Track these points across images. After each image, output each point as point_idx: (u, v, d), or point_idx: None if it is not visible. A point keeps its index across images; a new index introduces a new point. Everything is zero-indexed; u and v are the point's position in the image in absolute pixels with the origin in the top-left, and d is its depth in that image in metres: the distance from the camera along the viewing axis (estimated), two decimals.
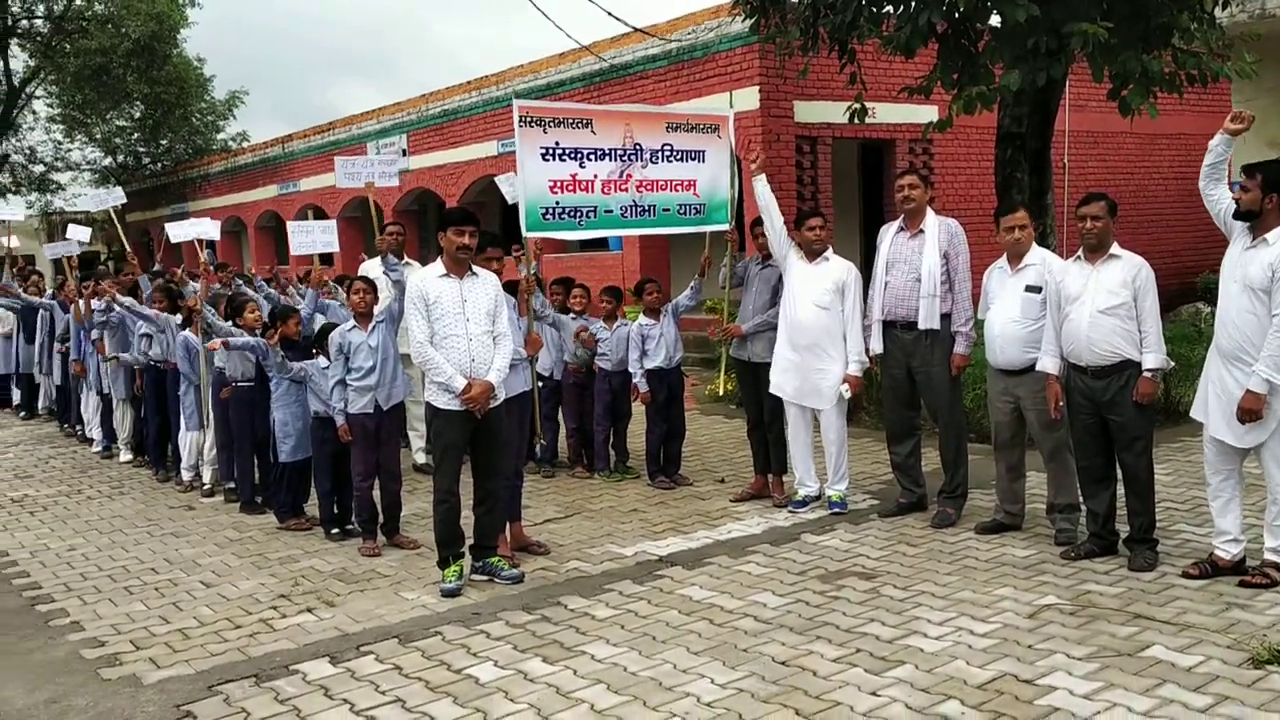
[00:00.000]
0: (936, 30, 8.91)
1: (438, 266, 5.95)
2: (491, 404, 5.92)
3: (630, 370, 8.29)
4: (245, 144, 33.14)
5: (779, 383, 7.23)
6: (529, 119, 6.67)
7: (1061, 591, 5.45)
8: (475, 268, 6.02)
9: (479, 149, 19.96)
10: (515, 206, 7.06)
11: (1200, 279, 17.57)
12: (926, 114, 16.13)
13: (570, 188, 6.86)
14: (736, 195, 7.75)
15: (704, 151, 7.47)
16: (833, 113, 15.15)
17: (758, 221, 7.55)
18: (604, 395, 8.54)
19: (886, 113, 14.95)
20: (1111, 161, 18.99)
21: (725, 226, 7.72)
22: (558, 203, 6.83)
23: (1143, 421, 5.82)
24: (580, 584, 5.95)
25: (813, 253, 7.14)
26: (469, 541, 6.10)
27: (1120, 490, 5.96)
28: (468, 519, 6.07)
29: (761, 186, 7.15)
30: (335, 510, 7.13)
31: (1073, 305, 5.87)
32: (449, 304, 5.86)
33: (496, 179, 7.83)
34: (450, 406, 5.83)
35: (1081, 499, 6.13)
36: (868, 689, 4.37)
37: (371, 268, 8.64)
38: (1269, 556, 5.42)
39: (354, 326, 6.80)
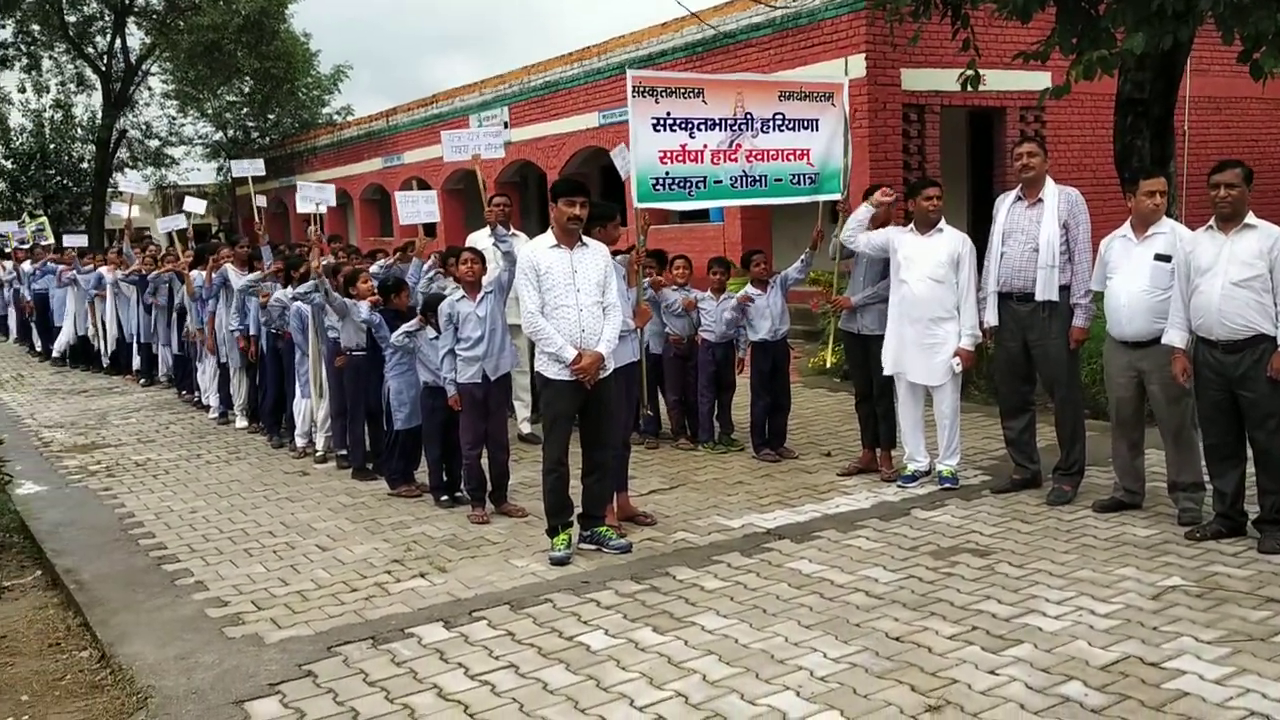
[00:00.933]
0: None
1: (548, 237, 5.97)
2: (601, 375, 5.93)
3: (738, 340, 8.27)
4: (350, 118, 33.78)
5: (894, 358, 7.11)
6: (641, 89, 6.64)
7: (1187, 573, 5.27)
8: (585, 238, 6.02)
9: (580, 120, 19.98)
10: (617, 177, 7.05)
11: None
12: (1039, 80, 15.75)
13: (680, 158, 6.81)
14: (849, 165, 7.61)
15: (817, 120, 7.36)
16: (941, 80, 14.86)
17: (872, 190, 7.42)
18: (708, 366, 8.50)
19: (996, 80, 14.44)
20: (1235, 128, 18.25)
21: (838, 196, 7.59)
22: (667, 173, 6.79)
23: (1277, 398, 5.59)
24: (688, 555, 5.94)
25: (927, 223, 6.99)
26: (577, 510, 6.13)
27: (1250, 470, 5.74)
28: (575, 489, 6.11)
29: (865, 212, 7.23)
30: (445, 478, 7.23)
31: (1204, 277, 5.65)
32: (559, 275, 5.87)
33: (611, 153, 7.82)
34: (560, 377, 5.85)
35: (1208, 478, 5.91)
36: (985, 667, 4.29)
37: (479, 239, 8.71)
38: None
39: (463, 297, 6.87)
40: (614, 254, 6.35)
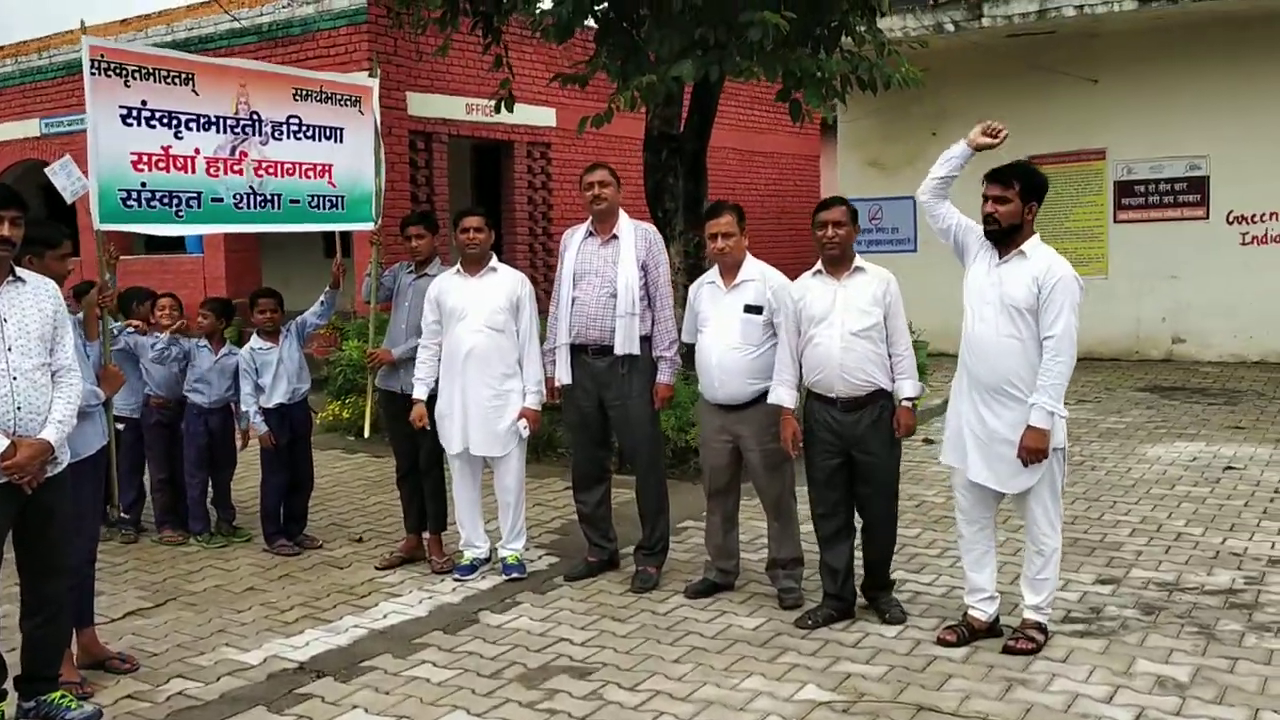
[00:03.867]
0: (596, 11, 7.84)
1: None
2: (49, 472, 4.05)
3: (244, 408, 6.52)
4: None
5: (448, 432, 5.83)
6: (105, 65, 4.80)
7: (819, 677, 4.47)
8: (21, 271, 4.12)
9: (17, 128, 16.60)
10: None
11: None
12: (546, 116, 15.37)
13: (162, 165, 5.05)
14: (382, 186, 6.21)
15: (342, 130, 5.90)
16: (449, 108, 13.89)
17: (412, 220, 6.10)
18: (198, 438, 6.65)
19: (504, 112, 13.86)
20: (715, 176, 19.06)
21: (370, 225, 6.18)
22: (144, 184, 5.00)
23: (894, 459, 5.05)
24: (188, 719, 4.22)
25: (472, 261, 5.80)
26: (15, 673, 4.17)
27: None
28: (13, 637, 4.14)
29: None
30: None
31: (819, 327, 4.97)
32: None
33: (48, 169, 5.90)
34: None
35: (821, 553, 5.22)
36: None
37: None
38: (1029, 615, 4.74)
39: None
40: (76, 294, 4.49)
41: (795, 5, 7.42)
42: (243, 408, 6.51)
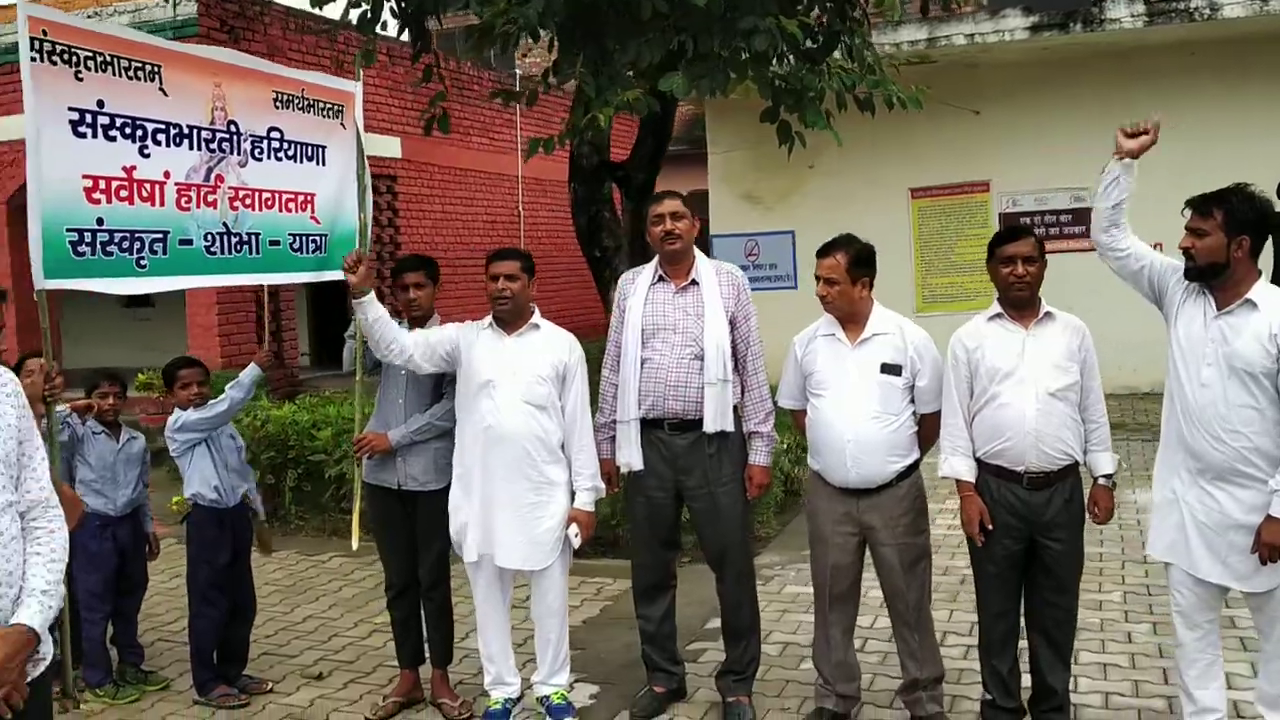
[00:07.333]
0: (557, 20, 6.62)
1: None
2: (29, 674, 2.55)
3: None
4: None
5: (463, 534, 4.49)
6: (49, 47, 3.25)
7: None
8: None
9: None
10: None
11: None
12: (388, 146, 13.87)
13: (125, 193, 3.52)
14: (369, 222, 4.78)
15: (324, 149, 4.46)
16: None
17: (409, 265, 4.74)
18: (104, 560, 5.00)
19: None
20: (559, 211, 18.02)
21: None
22: (100, 221, 3.45)
23: (1082, 549, 4.13)
24: None
25: (506, 318, 4.52)
26: None
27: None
28: None
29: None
30: None
31: (1004, 384, 3.99)
32: None
33: None
34: None
35: (989, 660, 4.22)
36: None
37: None
38: None
39: None
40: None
41: (789, 14, 6.49)
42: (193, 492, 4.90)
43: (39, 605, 2.56)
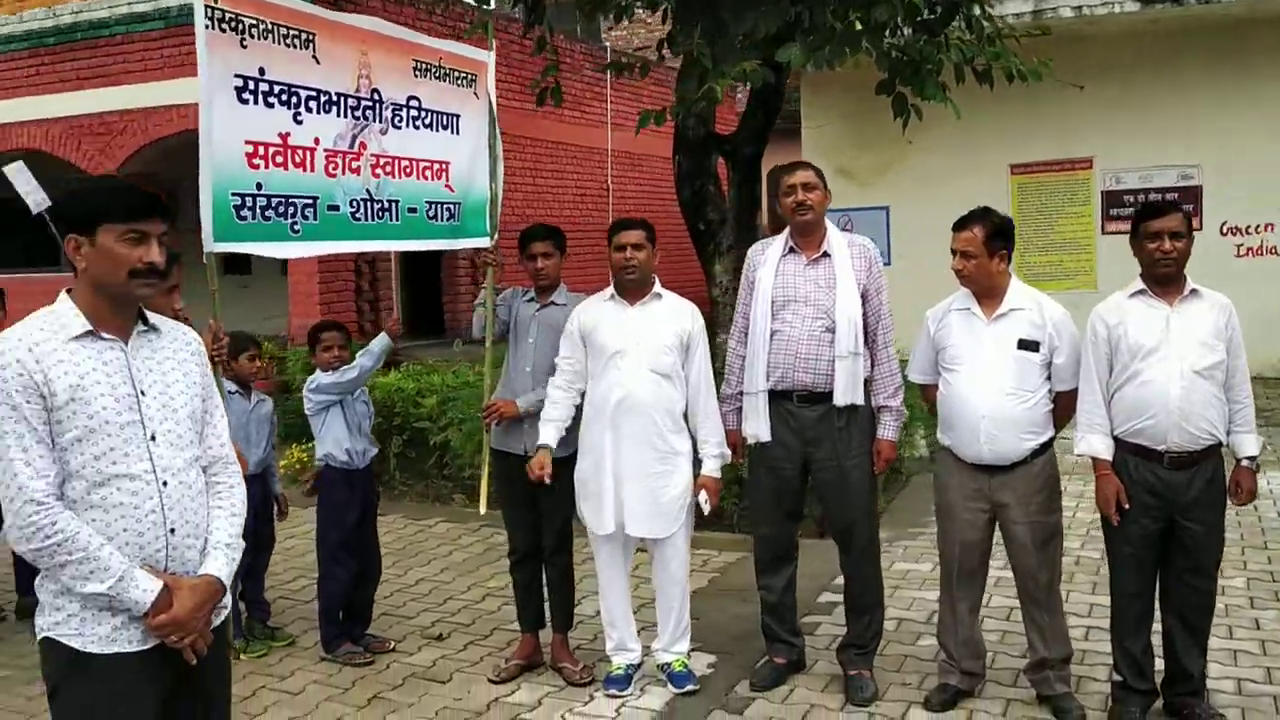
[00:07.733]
0: None
1: (56, 316, 2.54)
2: (214, 623, 2.64)
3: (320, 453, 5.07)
4: None
5: (594, 506, 4.54)
6: (219, 15, 3.33)
7: None
8: (152, 316, 2.69)
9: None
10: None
11: None
12: None
13: (280, 159, 3.60)
14: (500, 192, 4.83)
15: (458, 118, 4.51)
16: None
17: (537, 234, 4.76)
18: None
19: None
20: (648, 184, 18.00)
21: (485, 241, 4.81)
22: (260, 185, 3.54)
23: (1223, 532, 4.06)
24: None
25: (630, 287, 4.54)
26: None
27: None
28: None
29: None
30: None
31: (1147, 361, 3.93)
32: (101, 404, 2.49)
33: (6, 170, 4.42)
34: (110, 649, 2.47)
35: (1121, 642, 4.16)
36: None
37: None
38: None
39: None
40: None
41: None
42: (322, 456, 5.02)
43: (225, 558, 2.65)
